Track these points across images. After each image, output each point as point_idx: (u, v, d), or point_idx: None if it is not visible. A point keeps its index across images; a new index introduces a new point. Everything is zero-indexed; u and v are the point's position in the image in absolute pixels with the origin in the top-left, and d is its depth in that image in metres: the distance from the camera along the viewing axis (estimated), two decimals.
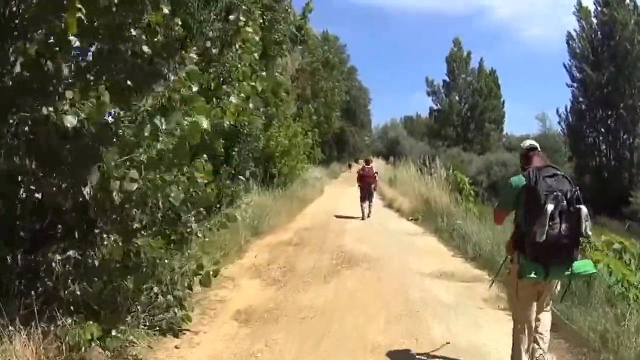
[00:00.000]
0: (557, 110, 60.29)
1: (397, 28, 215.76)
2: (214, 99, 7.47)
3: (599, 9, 57.08)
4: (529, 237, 4.88)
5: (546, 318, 5.53)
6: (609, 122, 57.74)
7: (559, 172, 5.10)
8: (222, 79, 9.06)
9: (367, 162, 22.38)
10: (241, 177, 14.90)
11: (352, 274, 10.58)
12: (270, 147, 21.22)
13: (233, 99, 7.05)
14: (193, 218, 6.85)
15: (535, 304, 5.33)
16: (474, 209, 17.59)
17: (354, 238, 14.96)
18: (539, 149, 5.55)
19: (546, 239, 4.73)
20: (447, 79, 70.48)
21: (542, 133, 60.75)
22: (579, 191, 4.99)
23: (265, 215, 15.81)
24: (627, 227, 32.95)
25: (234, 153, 14.18)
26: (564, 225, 4.79)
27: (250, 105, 7.53)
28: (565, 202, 4.84)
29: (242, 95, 7.18)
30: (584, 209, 4.83)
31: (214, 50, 9.03)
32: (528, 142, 5.70)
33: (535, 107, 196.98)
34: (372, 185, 20.91)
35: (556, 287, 5.54)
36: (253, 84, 7.25)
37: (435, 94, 71.48)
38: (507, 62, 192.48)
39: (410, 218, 19.99)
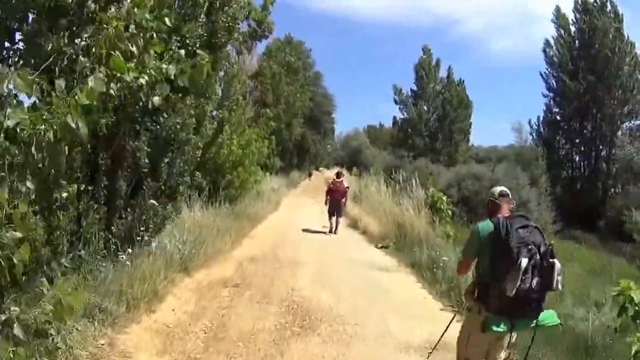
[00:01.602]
0: (530, 121, 59.28)
1: (363, 39, 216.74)
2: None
3: (578, 16, 56.65)
4: (495, 289, 4.78)
5: None
6: (584, 132, 57.17)
7: (530, 223, 4.92)
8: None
9: (338, 175, 21.07)
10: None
11: (306, 349, 7.48)
12: (221, 156, 18.36)
13: (91, 83, 4.08)
14: None
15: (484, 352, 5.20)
16: (450, 231, 16.23)
17: (312, 275, 12.22)
18: (510, 196, 5.50)
19: (516, 293, 4.60)
20: (416, 88, 68.21)
21: (518, 144, 58.71)
22: (552, 246, 4.83)
23: (202, 242, 12.62)
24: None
25: (163, 165, 11.04)
26: (535, 280, 4.67)
27: (156, 98, 5.16)
28: (538, 255, 4.70)
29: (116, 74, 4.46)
30: (557, 264, 4.73)
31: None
32: (499, 188, 5.61)
33: (504, 118, 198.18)
34: (342, 200, 20.13)
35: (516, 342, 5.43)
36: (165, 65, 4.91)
37: (402, 103, 69.05)
38: (474, 74, 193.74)
39: (380, 245, 17.20)
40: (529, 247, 4.66)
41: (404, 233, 16.71)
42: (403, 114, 69.55)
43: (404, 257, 14.87)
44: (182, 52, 5.35)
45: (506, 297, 4.63)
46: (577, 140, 59.23)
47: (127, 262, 8.75)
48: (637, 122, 55.81)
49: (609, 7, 54.82)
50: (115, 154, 9.39)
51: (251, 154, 19.70)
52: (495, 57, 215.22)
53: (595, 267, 25.18)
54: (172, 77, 5.00)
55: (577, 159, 60.10)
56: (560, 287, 4.80)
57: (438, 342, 6.67)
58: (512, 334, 5.13)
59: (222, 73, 18.42)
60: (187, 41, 10.30)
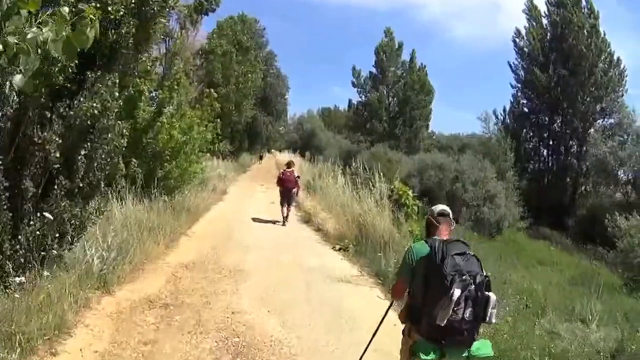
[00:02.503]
0: (495, 111, 58.67)
1: (319, 21, 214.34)
2: None
3: (551, 8, 56.64)
4: (425, 315, 4.62)
5: None
6: (553, 126, 56.83)
7: (468, 251, 4.71)
8: None
9: (289, 165, 20.73)
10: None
11: None
12: (160, 142, 16.15)
13: None
14: None
15: None
16: (416, 229, 14.97)
17: (258, 290, 10.15)
18: (450, 216, 5.32)
19: (447, 323, 4.41)
20: (375, 71, 66.15)
21: (485, 134, 57.97)
22: (488, 278, 4.68)
23: (131, 246, 10.63)
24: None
25: (80, 158, 9.00)
26: (468, 311, 4.49)
27: (18, 77, 3.53)
28: (473, 286, 4.49)
29: None
30: (492, 297, 4.59)
31: None
32: (439, 207, 5.42)
33: (466, 107, 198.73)
34: (293, 190, 19.89)
35: None
36: None
37: (361, 86, 66.96)
38: (436, 60, 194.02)
39: (339, 247, 15.23)
40: (464, 277, 4.48)
41: (365, 233, 14.86)
42: (361, 98, 67.69)
43: (366, 264, 13.19)
44: (66, 9, 3.50)
45: (437, 326, 4.46)
46: (545, 134, 59.04)
47: (24, 286, 6.88)
48: (611, 120, 55.64)
49: (583, 3, 54.81)
50: (20, 148, 7.44)
51: (193, 140, 17.51)
52: (459, 44, 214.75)
53: (576, 276, 23.91)
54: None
55: (545, 153, 59.83)
56: (494, 320, 4.67)
57: (371, 340, 6.28)
58: None
59: (162, 50, 16.66)
60: (110, 8, 8.35)
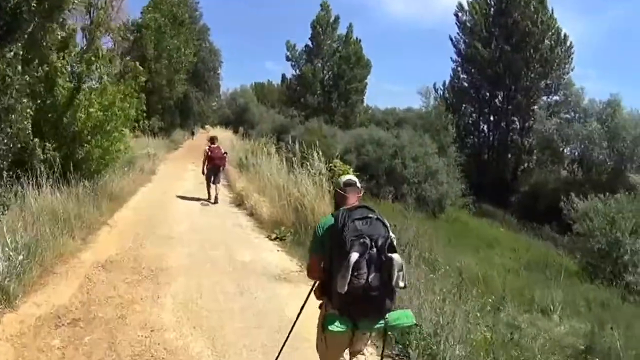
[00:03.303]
0: (435, 86, 58.57)
1: None
2: None
3: None
4: (334, 286, 4.32)
5: None
6: (495, 101, 56.97)
7: (372, 215, 4.53)
8: None
9: (212, 141, 20.00)
10: None
11: None
12: (78, 121, 14.57)
13: None
14: None
15: (344, 350, 4.89)
16: None
17: (183, 295, 8.63)
18: (358, 185, 5.22)
19: (351, 290, 4.23)
20: (311, 45, 64.63)
21: (425, 109, 58.10)
22: (393, 237, 4.45)
23: (42, 244, 9.28)
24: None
25: None
26: (372, 276, 4.28)
27: None
28: (375, 249, 4.32)
29: None
30: (396, 259, 4.30)
31: None
32: (345, 177, 5.32)
33: (402, 81, 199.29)
34: (221, 167, 19.56)
35: (368, 339, 5.20)
36: None
37: (295, 59, 65.40)
38: (373, 35, 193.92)
39: (275, 236, 13.68)
40: (362, 240, 4.30)
41: (304, 219, 13.56)
42: (295, 71, 66.17)
43: (305, 256, 11.48)
44: None
45: (344, 295, 4.23)
46: (486, 109, 59.18)
47: None
48: (556, 97, 56.44)
49: None
50: None
51: (114, 117, 15.76)
52: (396, 18, 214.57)
53: (531, 261, 23.28)
54: None
55: (486, 128, 60.01)
56: (402, 284, 4.37)
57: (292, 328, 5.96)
58: (361, 337, 4.81)
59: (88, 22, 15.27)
60: None
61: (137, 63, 18.49)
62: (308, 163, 15.43)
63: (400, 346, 7.09)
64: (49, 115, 14.23)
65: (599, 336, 10.75)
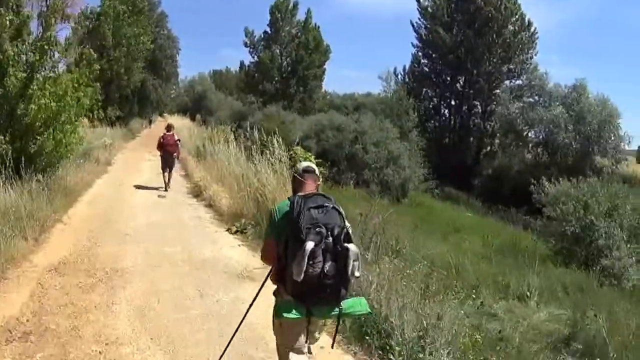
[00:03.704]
0: (395, 70, 58.41)
1: None
2: None
3: None
4: (290, 273, 4.28)
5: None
6: (456, 86, 57.08)
7: (328, 203, 4.48)
8: None
9: (168, 128, 20.30)
10: None
11: None
12: (30, 113, 13.90)
13: None
14: None
15: (303, 336, 4.72)
16: None
17: (139, 300, 8.02)
18: (317, 173, 5.15)
19: (307, 278, 4.18)
20: (269, 31, 63.42)
21: (386, 94, 57.17)
22: (348, 227, 4.41)
23: None
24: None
25: None
26: (328, 265, 4.24)
27: None
28: (331, 238, 4.28)
29: None
30: (352, 249, 4.28)
31: None
32: (304, 164, 5.25)
33: (361, 67, 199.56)
34: (174, 154, 19.74)
35: (324, 324, 5.08)
36: None
37: (253, 46, 64.21)
38: (332, 21, 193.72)
39: (235, 229, 13.11)
40: (318, 229, 4.25)
41: (265, 210, 12.60)
42: (253, 58, 65.03)
43: None
44: None
45: (298, 282, 4.18)
46: (447, 94, 59.20)
47: None
48: (519, 81, 56.78)
49: None
50: None
51: (68, 107, 15.03)
52: (357, 4, 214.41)
53: (503, 245, 23.11)
54: None
55: (447, 112, 60.15)
56: (357, 273, 4.37)
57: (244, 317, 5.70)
58: (316, 321, 4.74)
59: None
60: None
61: (92, 50, 17.90)
62: (268, 151, 14.99)
63: (380, 352, 6.69)
64: (2, 106, 13.75)
65: (582, 323, 10.53)
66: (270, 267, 4.98)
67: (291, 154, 15.25)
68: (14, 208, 10.98)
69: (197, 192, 18.41)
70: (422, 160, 41.98)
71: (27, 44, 14.53)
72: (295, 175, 5.11)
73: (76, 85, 15.58)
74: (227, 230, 13.34)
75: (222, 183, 17.49)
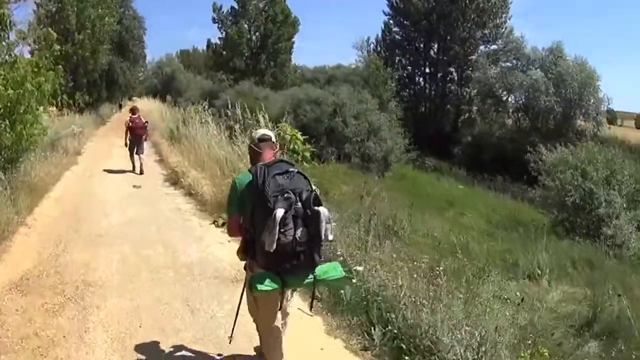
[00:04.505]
0: (368, 40, 57.78)
1: None
2: None
3: None
4: (260, 245, 4.29)
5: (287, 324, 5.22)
6: (430, 53, 56.42)
7: (292, 169, 4.50)
8: None
9: (133, 111, 19.90)
10: None
11: None
12: None
13: None
14: None
15: (279, 312, 4.86)
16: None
17: (117, 325, 6.59)
18: (274, 140, 5.20)
19: (279, 247, 4.17)
20: (236, 6, 62.78)
21: (362, 64, 56.75)
22: (316, 190, 4.49)
23: None
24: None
25: None
26: (299, 231, 4.28)
27: None
28: (300, 204, 4.32)
29: None
30: (323, 211, 4.31)
31: None
32: (260, 132, 5.29)
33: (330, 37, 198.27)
34: (143, 137, 19.51)
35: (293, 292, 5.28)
36: None
37: (221, 22, 63.35)
38: None
39: (222, 221, 11.54)
40: (287, 194, 4.27)
41: None
42: (222, 34, 64.30)
43: None
44: None
45: (270, 252, 4.16)
46: (420, 62, 58.39)
47: None
48: (494, 46, 56.87)
49: None
50: None
51: (28, 95, 13.37)
52: None
53: (503, 220, 22.49)
54: None
55: (422, 80, 59.52)
56: (330, 237, 4.36)
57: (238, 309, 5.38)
58: (286, 293, 4.72)
59: None
60: None
61: (50, 29, 16.28)
62: (252, 130, 13.68)
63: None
64: None
65: (602, 303, 9.80)
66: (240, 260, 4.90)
67: (279, 132, 13.90)
68: None
69: (174, 180, 17.01)
70: (401, 131, 41.05)
71: None
72: (252, 145, 5.07)
73: (36, 70, 14.08)
74: (213, 223, 11.98)
75: (202, 168, 16.10)
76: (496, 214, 25.38)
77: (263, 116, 14.16)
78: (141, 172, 18.62)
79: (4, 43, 13.33)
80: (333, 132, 34.74)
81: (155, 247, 10.12)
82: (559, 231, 20.57)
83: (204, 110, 19.59)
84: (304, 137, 14.86)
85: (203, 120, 19.40)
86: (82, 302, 7.34)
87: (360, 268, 7.52)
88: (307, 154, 14.45)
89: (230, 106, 15.50)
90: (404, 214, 14.55)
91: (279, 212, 4.11)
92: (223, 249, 9.88)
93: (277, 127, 14.14)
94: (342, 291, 7.08)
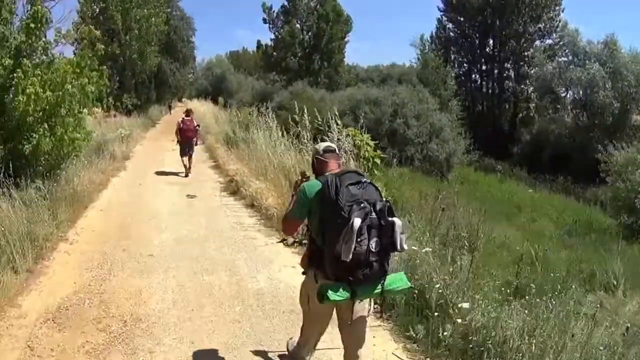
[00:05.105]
0: (422, 38, 56.22)
1: None
2: None
3: None
4: (330, 254, 4.13)
5: (361, 333, 4.80)
6: (486, 49, 54.56)
7: (364, 179, 4.37)
8: None
9: (187, 113, 19.58)
10: None
11: None
12: (20, 105, 11.03)
13: None
14: None
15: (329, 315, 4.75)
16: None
17: None
18: (337, 151, 5.06)
19: (353, 257, 4.02)
20: (287, 5, 61.10)
21: (418, 62, 54.80)
22: (389, 202, 4.34)
23: None
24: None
25: None
26: (373, 241, 4.12)
27: None
28: (374, 214, 4.15)
29: None
30: (397, 222, 4.19)
31: None
32: (324, 144, 5.09)
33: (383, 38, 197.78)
34: (193, 140, 19.12)
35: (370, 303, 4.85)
36: None
37: (272, 22, 61.71)
38: None
39: (292, 240, 10.05)
40: (362, 205, 4.08)
41: None
42: (273, 34, 62.73)
43: None
44: None
45: (342, 262, 4.01)
46: (476, 58, 56.79)
47: None
48: (549, 40, 54.73)
49: None
50: None
51: (69, 97, 12.07)
52: None
53: (573, 224, 21.20)
54: None
55: (478, 78, 57.87)
56: (405, 246, 4.28)
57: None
58: (360, 302, 4.58)
59: None
60: None
61: (92, 27, 14.89)
62: (323, 136, 12.16)
63: None
64: None
65: None
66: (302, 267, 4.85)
67: (355, 142, 12.40)
68: (2, 227, 8.36)
69: (233, 189, 15.45)
70: (461, 131, 39.64)
71: (9, 23, 11.90)
72: (317, 156, 4.88)
73: (77, 70, 12.78)
74: (282, 241, 10.35)
75: (264, 177, 14.46)
76: (565, 218, 23.91)
77: (336, 122, 12.71)
78: (187, 175, 18.42)
79: (39, 42, 12.25)
80: (394, 134, 33.33)
81: (217, 272, 8.63)
82: (628, 235, 19.33)
83: (264, 113, 18.11)
84: (376, 142, 13.41)
85: (263, 124, 18.03)
86: (131, 344, 5.97)
87: (466, 305, 6.25)
88: (378, 161, 13.08)
89: (298, 110, 13.99)
90: (474, 221, 13.28)
91: (357, 222, 3.95)
92: (296, 275, 7.96)
93: (345, 131, 12.67)
94: (440, 330, 6.09)
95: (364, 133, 13.41)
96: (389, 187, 12.92)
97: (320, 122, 13.13)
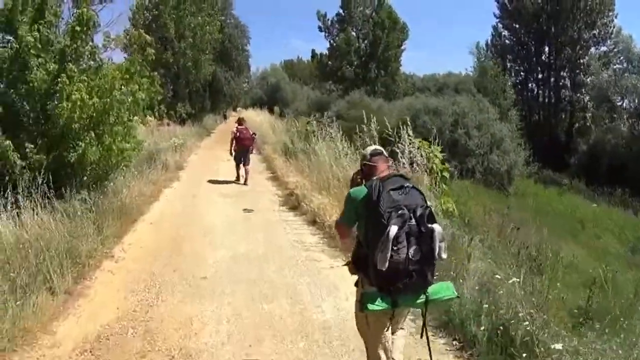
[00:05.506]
0: (477, 45, 55.92)
1: None
2: None
3: None
4: (372, 261, 4.08)
5: (399, 343, 4.87)
6: (542, 57, 53.43)
7: (407, 184, 4.33)
8: None
9: (240, 122, 19.31)
10: None
11: None
12: (64, 112, 10.50)
13: None
14: None
15: (388, 328, 4.54)
16: (448, 203, 10.66)
17: None
18: (385, 154, 4.97)
19: (391, 265, 3.99)
20: (342, 13, 60.54)
21: (475, 70, 55.00)
22: (432, 206, 4.31)
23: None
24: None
25: None
26: (412, 249, 4.06)
27: None
28: (414, 220, 4.10)
29: None
30: (437, 228, 4.11)
31: None
32: (370, 148, 5.08)
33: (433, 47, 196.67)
34: (250, 149, 18.86)
35: (408, 312, 5.00)
36: None
37: (327, 30, 61.25)
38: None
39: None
40: (401, 211, 4.03)
41: None
42: (329, 42, 62.00)
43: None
44: None
45: (382, 270, 3.98)
46: (532, 67, 56.50)
47: None
48: (604, 47, 53.89)
49: None
50: None
51: (117, 104, 11.39)
52: None
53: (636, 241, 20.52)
54: None
55: (535, 86, 57.01)
56: (444, 255, 4.16)
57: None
58: (401, 312, 4.56)
59: None
60: None
61: (142, 31, 14.22)
62: (393, 147, 11.37)
63: None
64: (27, 106, 10.78)
65: None
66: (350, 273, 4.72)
67: (428, 155, 11.86)
68: (42, 242, 7.67)
69: (293, 203, 14.47)
70: (521, 142, 38.71)
71: (54, 27, 11.47)
72: (365, 162, 4.83)
73: (127, 76, 12.19)
74: (347, 264, 9.20)
75: (327, 191, 13.55)
76: (626, 233, 22.93)
77: (407, 133, 12.21)
78: (245, 183, 18.30)
79: (85, 46, 11.72)
80: (455, 144, 32.44)
81: (278, 298, 7.78)
82: None
83: (324, 122, 17.90)
84: (442, 153, 12.61)
85: (325, 134, 17.70)
86: None
87: (558, 347, 5.50)
88: (447, 174, 12.38)
89: (366, 120, 13.57)
90: (539, 239, 12.90)
91: (393, 230, 3.89)
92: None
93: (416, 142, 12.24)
94: None
95: (432, 145, 12.64)
96: (457, 202, 12.11)
97: (390, 132, 12.44)
